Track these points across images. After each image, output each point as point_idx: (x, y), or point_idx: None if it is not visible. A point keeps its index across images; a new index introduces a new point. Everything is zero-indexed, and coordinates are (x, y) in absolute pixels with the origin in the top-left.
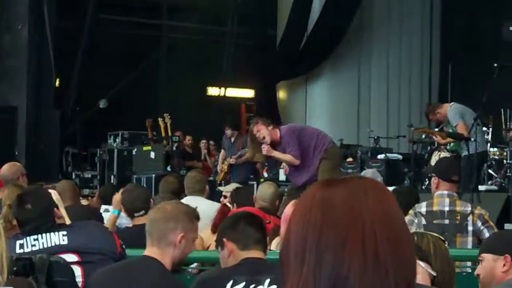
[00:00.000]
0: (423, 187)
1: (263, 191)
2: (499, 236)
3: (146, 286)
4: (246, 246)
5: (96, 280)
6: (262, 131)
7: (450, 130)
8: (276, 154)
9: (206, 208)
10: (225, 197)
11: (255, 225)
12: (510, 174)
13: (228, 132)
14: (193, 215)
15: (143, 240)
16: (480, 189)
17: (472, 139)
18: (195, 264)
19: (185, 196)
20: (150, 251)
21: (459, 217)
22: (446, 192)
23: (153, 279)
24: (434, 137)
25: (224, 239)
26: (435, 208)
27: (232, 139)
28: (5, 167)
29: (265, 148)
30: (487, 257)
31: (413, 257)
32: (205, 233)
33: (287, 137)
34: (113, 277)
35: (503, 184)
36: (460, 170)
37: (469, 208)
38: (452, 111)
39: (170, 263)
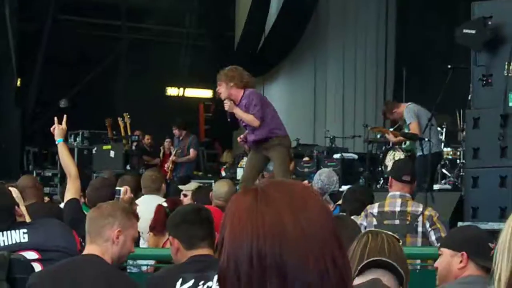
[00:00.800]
0: (378, 186)
1: (219, 189)
2: (458, 232)
3: (88, 281)
4: (191, 245)
5: (37, 281)
6: (220, 88)
7: (406, 130)
8: (238, 111)
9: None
10: (185, 195)
11: (200, 222)
12: (463, 173)
13: (176, 132)
14: (131, 213)
15: None
16: (434, 189)
17: (426, 139)
18: (152, 262)
19: (142, 195)
20: (89, 248)
21: (409, 218)
22: (398, 192)
23: (95, 273)
24: (386, 135)
25: (170, 237)
26: (386, 209)
27: (180, 138)
28: None
29: (226, 104)
30: (445, 252)
31: (322, 250)
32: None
33: (252, 96)
34: (54, 277)
35: (456, 184)
36: (414, 171)
37: (420, 209)
38: (408, 111)
39: (110, 260)
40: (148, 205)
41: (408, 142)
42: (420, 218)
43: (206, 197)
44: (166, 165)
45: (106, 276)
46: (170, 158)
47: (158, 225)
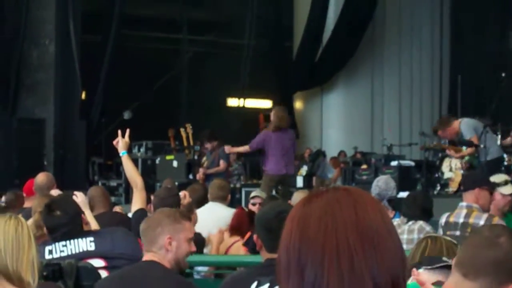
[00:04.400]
0: (435, 192)
1: (299, 198)
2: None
3: (152, 284)
4: (272, 249)
5: (103, 286)
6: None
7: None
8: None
9: (225, 214)
10: (254, 204)
11: (279, 225)
12: None
13: (208, 145)
14: (178, 216)
15: None
16: None
17: (482, 146)
18: (206, 268)
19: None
20: (147, 256)
21: (469, 230)
22: (465, 203)
23: (157, 277)
24: (447, 151)
25: (255, 236)
26: (451, 219)
27: (211, 150)
28: (39, 177)
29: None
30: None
31: (398, 257)
32: (226, 236)
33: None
34: (119, 283)
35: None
36: (486, 180)
37: (482, 221)
38: (465, 126)
39: (169, 265)
40: (212, 212)
41: (468, 157)
42: None
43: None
44: (197, 176)
45: (165, 280)
46: (200, 170)
47: (240, 226)
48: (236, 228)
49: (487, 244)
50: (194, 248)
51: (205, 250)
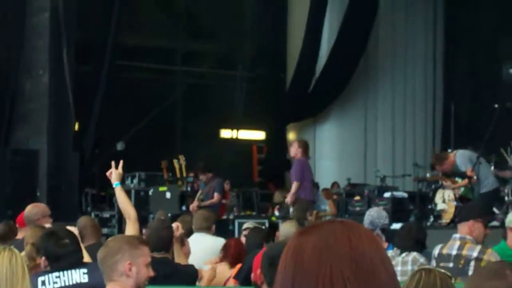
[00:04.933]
0: (428, 223)
1: (288, 229)
2: None
3: None
4: (272, 284)
5: None
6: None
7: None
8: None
9: (211, 243)
10: (246, 236)
11: None
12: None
13: (202, 177)
14: (136, 242)
15: (161, 272)
16: None
17: (475, 177)
18: None
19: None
20: (110, 286)
21: (462, 261)
22: (459, 235)
23: None
24: (444, 182)
25: (258, 270)
26: (444, 251)
27: (205, 181)
28: (29, 207)
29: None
30: None
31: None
32: (219, 268)
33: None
34: None
35: (504, 220)
36: (481, 212)
37: (475, 253)
38: (460, 158)
39: None
40: (197, 243)
41: (463, 188)
42: (472, 263)
43: (260, 237)
44: (191, 207)
45: None
46: (195, 202)
47: (236, 257)
48: (236, 257)
49: (492, 275)
50: (152, 273)
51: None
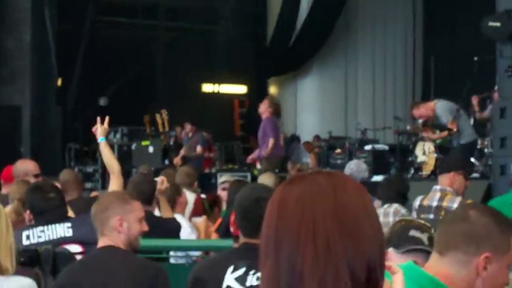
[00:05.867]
0: (409, 175)
1: (265, 182)
2: None
3: (110, 271)
4: (249, 235)
5: (68, 279)
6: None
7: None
8: None
9: (191, 200)
10: (224, 189)
11: (260, 217)
12: (491, 162)
13: (188, 127)
14: (127, 197)
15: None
16: None
17: (454, 129)
18: (199, 253)
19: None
20: (102, 240)
21: (443, 213)
22: (439, 187)
23: (119, 260)
24: (424, 133)
25: (232, 220)
26: (425, 203)
27: (190, 134)
28: (22, 163)
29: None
30: None
31: (375, 241)
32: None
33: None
34: (80, 271)
35: (484, 172)
36: (460, 163)
37: (455, 205)
38: (441, 109)
39: (123, 247)
40: None
41: (439, 139)
42: None
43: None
44: (175, 161)
45: (124, 263)
46: (178, 156)
47: (198, 214)
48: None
49: (456, 218)
50: (146, 228)
51: (193, 236)
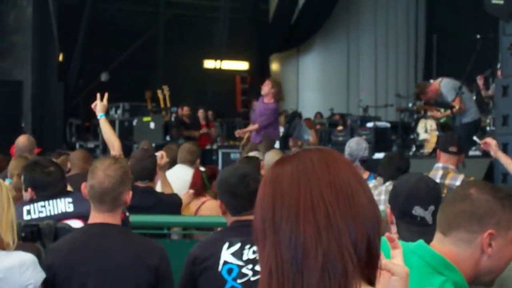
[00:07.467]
0: (410, 153)
1: (272, 159)
2: None
3: (109, 246)
4: (237, 212)
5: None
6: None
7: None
8: None
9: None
10: None
11: (248, 194)
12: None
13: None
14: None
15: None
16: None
17: (457, 107)
18: (177, 229)
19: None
20: (102, 217)
21: (445, 191)
22: (441, 164)
23: (114, 233)
24: (430, 112)
25: (218, 201)
26: None
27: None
28: (21, 139)
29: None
30: None
31: (372, 212)
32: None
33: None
34: (71, 250)
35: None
36: (461, 142)
37: (458, 182)
38: (446, 88)
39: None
40: (178, 175)
41: (444, 118)
42: None
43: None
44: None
45: (124, 245)
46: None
47: (196, 188)
48: (198, 188)
49: (457, 198)
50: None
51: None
